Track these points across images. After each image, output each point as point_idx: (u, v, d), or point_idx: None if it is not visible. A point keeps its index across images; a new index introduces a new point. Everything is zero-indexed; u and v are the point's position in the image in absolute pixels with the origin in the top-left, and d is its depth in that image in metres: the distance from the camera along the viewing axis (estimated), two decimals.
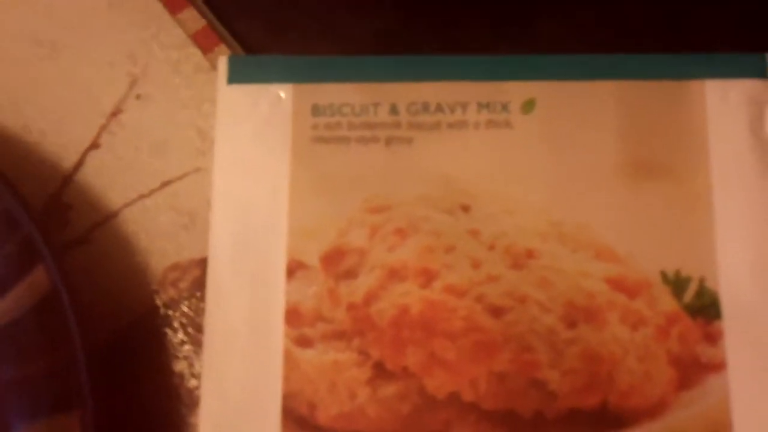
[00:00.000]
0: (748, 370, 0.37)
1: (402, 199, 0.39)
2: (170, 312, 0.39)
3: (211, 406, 0.37)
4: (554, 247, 0.38)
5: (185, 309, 0.39)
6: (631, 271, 0.37)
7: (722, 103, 0.39)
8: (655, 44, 0.42)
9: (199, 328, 0.39)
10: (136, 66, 0.42)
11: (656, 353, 0.37)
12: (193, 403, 0.38)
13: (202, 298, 0.39)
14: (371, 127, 0.39)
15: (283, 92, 0.40)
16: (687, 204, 0.38)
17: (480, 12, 0.43)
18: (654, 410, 0.36)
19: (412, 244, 0.38)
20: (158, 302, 0.40)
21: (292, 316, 0.37)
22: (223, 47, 0.42)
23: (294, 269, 0.38)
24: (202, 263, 0.39)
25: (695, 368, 0.37)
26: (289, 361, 0.37)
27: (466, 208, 0.39)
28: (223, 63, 0.40)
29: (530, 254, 0.38)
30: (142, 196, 0.41)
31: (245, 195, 0.39)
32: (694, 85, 0.39)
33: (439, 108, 0.39)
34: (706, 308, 0.37)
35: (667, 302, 0.37)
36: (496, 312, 0.37)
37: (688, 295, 0.37)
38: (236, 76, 0.40)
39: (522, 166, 0.39)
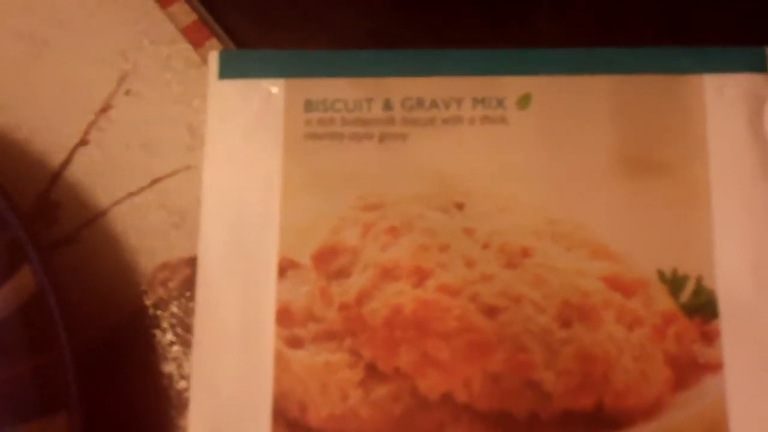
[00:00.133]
0: (746, 371, 0.36)
1: (396, 197, 0.38)
2: (159, 312, 0.39)
3: (201, 408, 0.37)
4: (549, 246, 0.37)
5: (175, 309, 0.39)
6: (628, 269, 0.37)
7: (721, 97, 0.39)
8: (652, 38, 0.41)
9: (188, 329, 0.39)
10: (126, 61, 0.42)
11: (652, 353, 0.36)
12: (183, 405, 0.38)
13: (191, 298, 0.39)
14: (365, 123, 0.39)
15: (275, 87, 0.39)
16: (684, 201, 0.38)
17: (475, 6, 0.42)
18: (650, 411, 0.36)
19: (406, 242, 0.38)
20: (147, 302, 0.39)
21: (284, 315, 0.37)
22: (214, 42, 0.42)
23: (285, 268, 0.38)
24: (192, 262, 0.39)
25: (692, 368, 0.36)
26: (280, 362, 0.37)
27: (460, 206, 0.38)
28: (213, 58, 0.40)
29: (525, 253, 0.37)
30: (131, 194, 0.40)
31: (236, 192, 0.38)
32: (692, 80, 0.39)
33: (434, 103, 0.39)
34: (703, 307, 0.37)
35: (664, 301, 0.37)
36: (490, 311, 0.37)
37: (685, 294, 0.37)
38: (227, 71, 0.40)
39: (517, 162, 0.38)
